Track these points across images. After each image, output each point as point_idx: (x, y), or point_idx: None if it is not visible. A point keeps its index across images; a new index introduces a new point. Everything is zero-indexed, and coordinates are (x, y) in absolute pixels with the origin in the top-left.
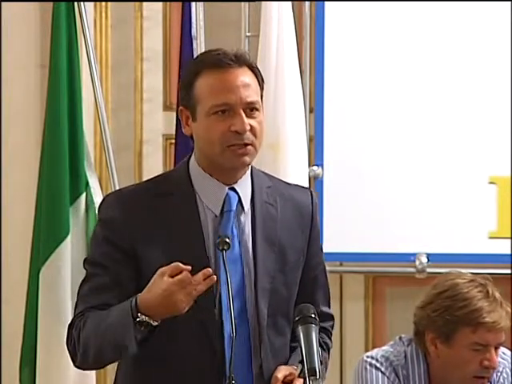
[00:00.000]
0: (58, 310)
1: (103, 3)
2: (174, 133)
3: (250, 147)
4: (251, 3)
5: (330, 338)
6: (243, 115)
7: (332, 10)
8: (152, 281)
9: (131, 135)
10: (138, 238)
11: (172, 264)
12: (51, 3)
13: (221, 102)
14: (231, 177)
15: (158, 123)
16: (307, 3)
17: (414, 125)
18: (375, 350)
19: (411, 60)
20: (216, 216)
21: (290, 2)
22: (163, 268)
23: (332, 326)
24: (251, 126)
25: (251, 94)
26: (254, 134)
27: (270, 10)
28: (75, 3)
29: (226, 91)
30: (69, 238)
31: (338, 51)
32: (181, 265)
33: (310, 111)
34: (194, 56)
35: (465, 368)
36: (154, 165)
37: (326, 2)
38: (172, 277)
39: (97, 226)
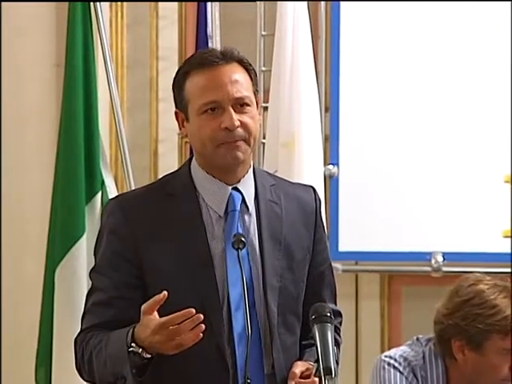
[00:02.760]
0: (73, 310)
1: (119, 3)
2: None
3: (241, 142)
4: (266, 2)
5: (339, 335)
6: (232, 111)
7: (347, 10)
8: (141, 318)
9: (147, 134)
10: (141, 243)
11: (152, 299)
12: (67, 3)
13: (208, 99)
14: (232, 176)
15: (173, 122)
16: (323, 3)
17: (430, 124)
18: (393, 350)
19: (427, 59)
20: (220, 216)
21: (305, 2)
22: (144, 305)
23: (340, 323)
24: (242, 121)
25: (240, 90)
26: (247, 130)
27: (286, 9)
28: (91, 3)
29: (214, 88)
30: (84, 237)
31: (354, 50)
32: (161, 296)
33: (326, 110)
34: None
35: (495, 373)
36: (170, 164)
37: (341, 2)
38: (159, 312)
39: (100, 233)
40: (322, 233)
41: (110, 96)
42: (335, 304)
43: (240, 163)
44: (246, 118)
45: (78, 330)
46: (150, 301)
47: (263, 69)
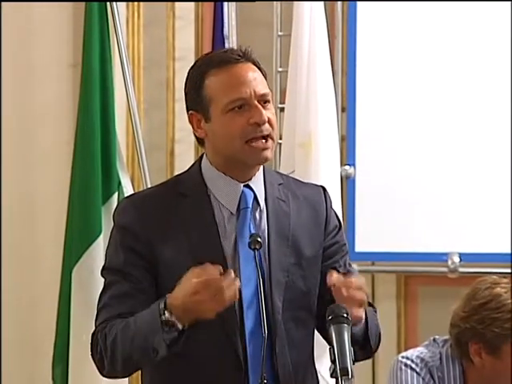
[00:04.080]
0: (90, 309)
1: (135, 3)
2: None
3: (269, 141)
4: (283, 2)
5: (376, 317)
6: (260, 107)
7: (364, 10)
8: (181, 281)
9: (163, 134)
10: (154, 242)
11: (202, 266)
12: (83, 3)
13: (236, 97)
14: (247, 174)
15: None
16: (339, 3)
17: (447, 124)
18: (410, 351)
19: (444, 59)
20: (232, 214)
21: (322, 2)
22: (194, 268)
23: (375, 310)
24: (268, 117)
25: (263, 87)
26: (271, 125)
27: (302, 9)
28: (107, 3)
29: (239, 86)
30: (101, 237)
31: (370, 51)
32: (211, 266)
33: (342, 110)
34: None
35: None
36: (186, 164)
37: (358, 2)
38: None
39: (112, 232)
40: (334, 228)
41: (126, 96)
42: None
43: (266, 162)
44: (270, 114)
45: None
46: (202, 266)
47: (280, 69)
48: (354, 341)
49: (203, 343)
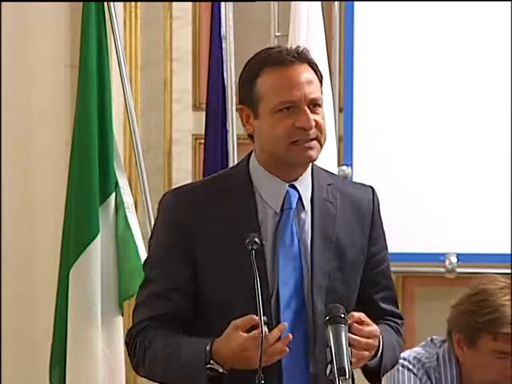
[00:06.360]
0: (87, 310)
1: (133, 3)
2: (203, 132)
3: (315, 142)
4: (280, 3)
5: (399, 334)
6: (308, 112)
7: (361, 10)
8: (226, 333)
9: (161, 135)
10: (195, 236)
11: (245, 317)
12: (80, 3)
13: (286, 99)
14: (293, 174)
15: (187, 123)
16: (337, 3)
17: (445, 125)
18: (407, 352)
19: (442, 59)
20: (276, 213)
21: (319, 2)
22: (236, 321)
23: (399, 324)
24: (316, 121)
25: (314, 91)
26: (320, 130)
27: (300, 9)
28: (105, 3)
29: (291, 88)
30: (98, 238)
31: (368, 51)
32: (255, 317)
33: (340, 111)
34: (224, 56)
35: (486, 374)
36: (184, 165)
37: (355, 2)
38: (247, 330)
39: (155, 225)
40: (379, 234)
41: (123, 97)
42: (395, 306)
43: (311, 162)
44: (319, 118)
45: (93, 329)
46: (246, 318)
47: None
48: (364, 369)
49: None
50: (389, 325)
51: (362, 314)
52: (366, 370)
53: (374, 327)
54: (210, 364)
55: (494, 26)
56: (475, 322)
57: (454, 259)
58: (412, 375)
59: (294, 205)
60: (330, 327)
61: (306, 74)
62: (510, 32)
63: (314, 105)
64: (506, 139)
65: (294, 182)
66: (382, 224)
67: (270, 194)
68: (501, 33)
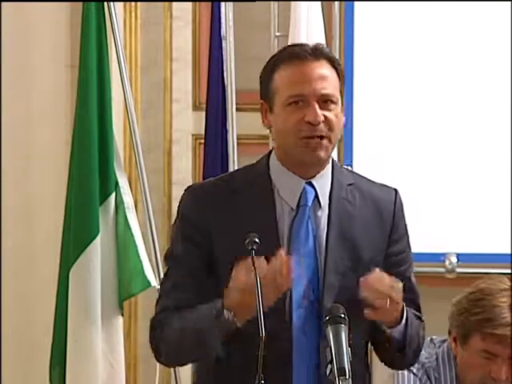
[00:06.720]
0: (87, 310)
1: (133, 3)
2: (203, 132)
3: (324, 141)
4: (280, 3)
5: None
6: (316, 106)
7: (361, 10)
8: (233, 277)
9: (161, 135)
10: (212, 231)
11: (246, 261)
12: (80, 3)
13: (295, 92)
14: (308, 171)
15: (187, 123)
16: (337, 3)
17: (444, 125)
18: None
19: (442, 60)
20: (292, 209)
21: (319, 2)
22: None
23: (422, 327)
24: (326, 117)
25: (326, 87)
26: (329, 127)
27: (300, 9)
28: (105, 3)
29: (302, 82)
30: (98, 238)
31: (368, 51)
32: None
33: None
34: (224, 56)
35: (474, 373)
36: (184, 165)
37: (355, 2)
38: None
39: (176, 219)
40: (400, 236)
41: (123, 97)
42: (416, 308)
43: (319, 161)
44: (329, 115)
45: (93, 329)
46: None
47: None
48: (390, 344)
49: (251, 338)
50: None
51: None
52: (391, 341)
53: (397, 282)
54: (224, 315)
55: (494, 25)
56: (467, 321)
57: (454, 259)
58: (412, 375)
59: (310, 202)
60: (330, 327)
61: (321, 69)
62: (510, 32)
63: (326, 101)
64: (506, 139)
65: (311, 179)
66: (405, 226)
67: (286, 191)
68: (501, 33)
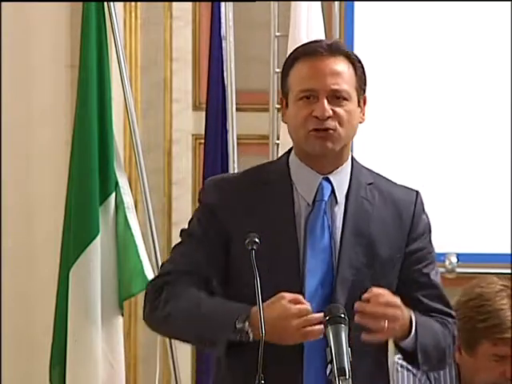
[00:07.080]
0: (87, 310)
1: (133, 3)
2: (203, 132)
3: (331, 132)
4: (280, 3)
5: (444, 326)
6: (325, 101)
7: (361, 10)
8: (271, 301)
9: (160, 135)
10: (231, 224)
11: (295, 294)
12: (80, 3)
13: (306, 87)
14: (322, 165)
15: (187, 123)
16: (337, 3)
17: (444, 125)
18: None
19: (442, 60)
20: (309, 205)
21: (319, 2)
22: (285, 293)
23: (448, 322)
24: (335, 112)
25: (339, 82)
26: (339, 122)
27: (300, 9)
28: (105, 3)
29: (313, 77)
30: (98, 238)
31: (368, 51)
32: (301, 297)
33: None
34: (224, 56)
35: (486, 376)
36: (184, 164)
37: (355, 2)
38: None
39: (196, 210)
40: (420, 234)
41: (123, 97)
42: (441, 304)
43: (329, 152)
44: (340, 110)
45: (93, 329)
46: (295, 295)
47: (277, 70)
48: (403, 354)
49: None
50: (432, 317)
51: (381, 289)
52: (403, 353)
53: (393, 298)
54: (242, 325)
55: (494, 25)
56: (474, 328)
57: (454, 259)
58: (411, 375)
59: (327, 197)
60: (329, 327)
61: (335, 65)
62: (510, 32)
63: (338, 97)
64: (505, 139)
65: (328, 175)
66: (428, 226)
67: (304, 186)
68: (501, 33)
